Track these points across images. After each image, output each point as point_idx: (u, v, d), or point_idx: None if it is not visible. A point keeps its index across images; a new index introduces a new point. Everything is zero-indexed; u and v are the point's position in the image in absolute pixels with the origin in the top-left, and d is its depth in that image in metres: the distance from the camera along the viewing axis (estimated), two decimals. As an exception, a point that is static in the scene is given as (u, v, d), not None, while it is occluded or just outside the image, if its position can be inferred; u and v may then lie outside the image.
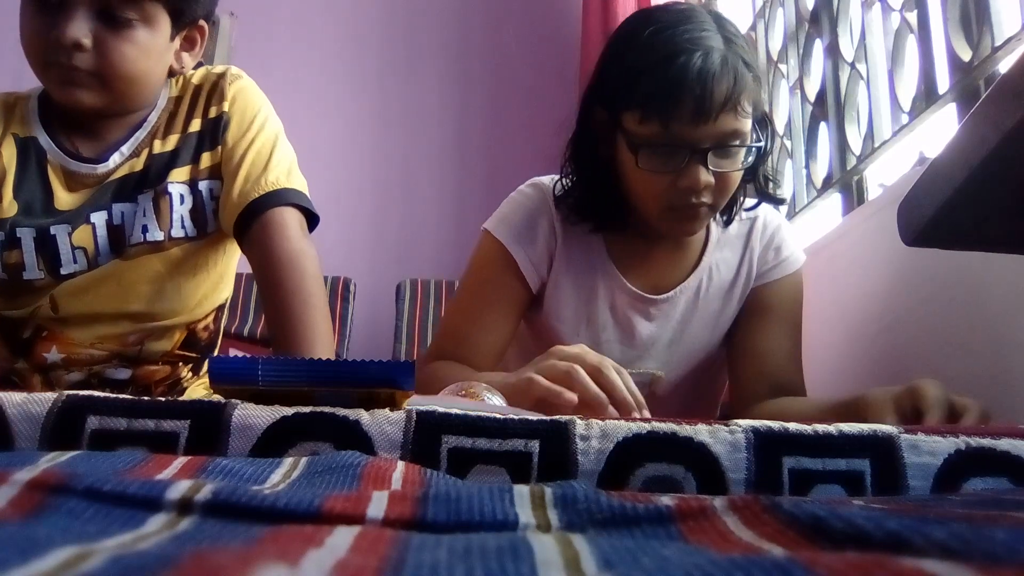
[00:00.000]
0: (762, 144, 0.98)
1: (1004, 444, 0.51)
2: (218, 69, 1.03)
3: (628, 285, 1.08)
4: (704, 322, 1.10)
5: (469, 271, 1.13)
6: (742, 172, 0.99)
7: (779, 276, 1.10)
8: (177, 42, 0.96)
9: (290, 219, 0.94)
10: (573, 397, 0.72)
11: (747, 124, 0.95)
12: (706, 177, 0.94)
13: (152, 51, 0.92)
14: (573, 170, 1.07)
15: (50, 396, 0.51)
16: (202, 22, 0.97)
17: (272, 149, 0.99)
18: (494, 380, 0.79)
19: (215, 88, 1.01)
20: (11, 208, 0.93)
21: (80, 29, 0.86)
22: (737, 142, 0.95)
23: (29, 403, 0.50)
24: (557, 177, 1.10)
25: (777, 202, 1.11)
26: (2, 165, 0.94)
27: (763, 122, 1.02)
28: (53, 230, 0.93)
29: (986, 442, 0.51)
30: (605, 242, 1.10)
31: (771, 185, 1.09)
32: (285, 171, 0.98)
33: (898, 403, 0.78)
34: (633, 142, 0.95)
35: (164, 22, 0.92)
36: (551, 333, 1.11)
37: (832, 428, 0.51)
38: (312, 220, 0.99)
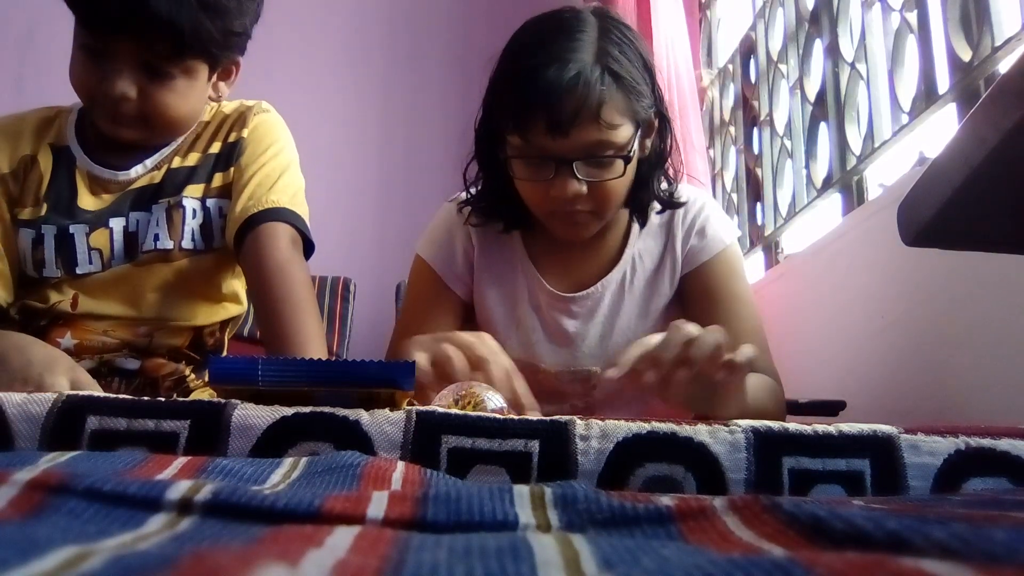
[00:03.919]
0: (630, 154, 0.95)
1: (1004, 444, 0.51)
2: (249, 102, 1.10)
3: (546, 285, 1.09)
4: (633, 314, 1.10)
5: (406, 292, 1.19)
6: (627, 179, 0.98)
7: (708, 257, 1.08)
8: (214, 77, 1.02)
9: (282, 232, 0.98)
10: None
11: (618, 134, 0.93)
12: (576, 187, 0.94)
13: (191, 95, 0.98)
14: (479, 172, 1.08)
15: (50, 396, 0.51)
16: (236, 56, 1.03)
17: (281, 174, 1.04)
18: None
19: (240, 117, 1.07)
20: (43, 209, 1.00)
21: (125, 84, 0.92)
22: (610, 152, 0.94)
23: (29, 403, 0.50)
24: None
25: (677, 206, 1.08)
26: (40, 172, 1.01)
27: (661, 126, 1.01)
28: (72, 229, 0.99)
29: (986, 442, 0.51)
30: (524, 243, 1.11)
31: (672, 186, 1.07)
32: (289, 195, 1.02)
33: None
34: (507, 151, 0.97)
35: (203, 70, 0.98)
36: None
37: (832, 428, 0.51)
38: (308, 248, 1.02)
